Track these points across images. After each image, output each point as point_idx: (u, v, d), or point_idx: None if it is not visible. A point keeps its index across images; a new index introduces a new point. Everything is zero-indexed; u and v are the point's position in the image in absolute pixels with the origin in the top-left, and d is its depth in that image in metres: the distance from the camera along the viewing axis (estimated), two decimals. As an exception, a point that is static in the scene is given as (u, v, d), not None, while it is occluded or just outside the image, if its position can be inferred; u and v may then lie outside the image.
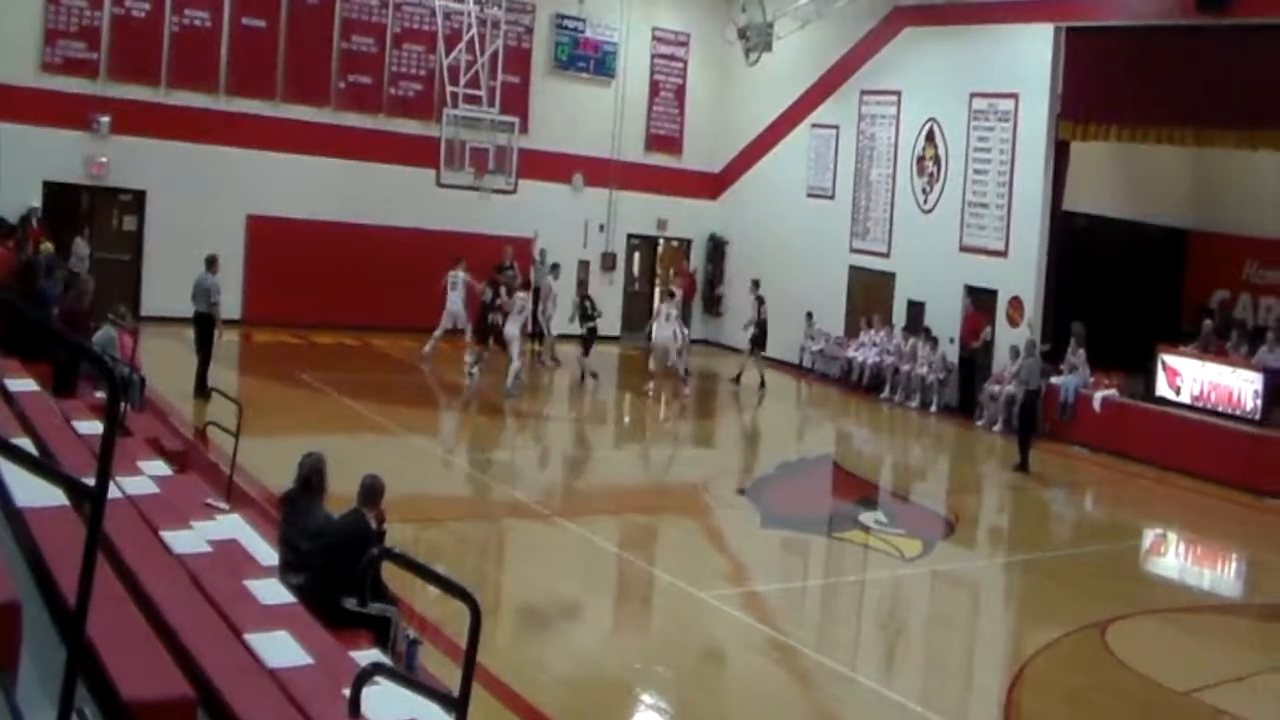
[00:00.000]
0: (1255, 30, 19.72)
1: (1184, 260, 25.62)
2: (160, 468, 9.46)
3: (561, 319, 25.41)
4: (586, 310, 23.91)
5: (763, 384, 25.16)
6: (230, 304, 23.81)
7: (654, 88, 30.73)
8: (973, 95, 24.41)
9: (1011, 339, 22.83)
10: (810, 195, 28.61)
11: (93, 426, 8.59)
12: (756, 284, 25.77)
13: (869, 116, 27.21)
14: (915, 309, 25.60)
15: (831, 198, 28.06)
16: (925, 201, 25.69)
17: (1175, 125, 21.29)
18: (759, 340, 25.36)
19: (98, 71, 24.09)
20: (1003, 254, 23.82)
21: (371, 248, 25.06)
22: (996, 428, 22.65)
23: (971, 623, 13.59)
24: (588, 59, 29.60)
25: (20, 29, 23.24)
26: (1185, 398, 20.89)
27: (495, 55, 25.23)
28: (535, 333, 26.22)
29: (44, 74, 23.66)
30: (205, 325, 18.60)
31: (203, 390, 17.89)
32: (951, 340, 24.54)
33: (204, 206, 24.45)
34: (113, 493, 5.86)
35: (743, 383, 25.21)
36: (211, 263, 18.87)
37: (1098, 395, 21.58)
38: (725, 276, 31.22)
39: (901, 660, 11.95)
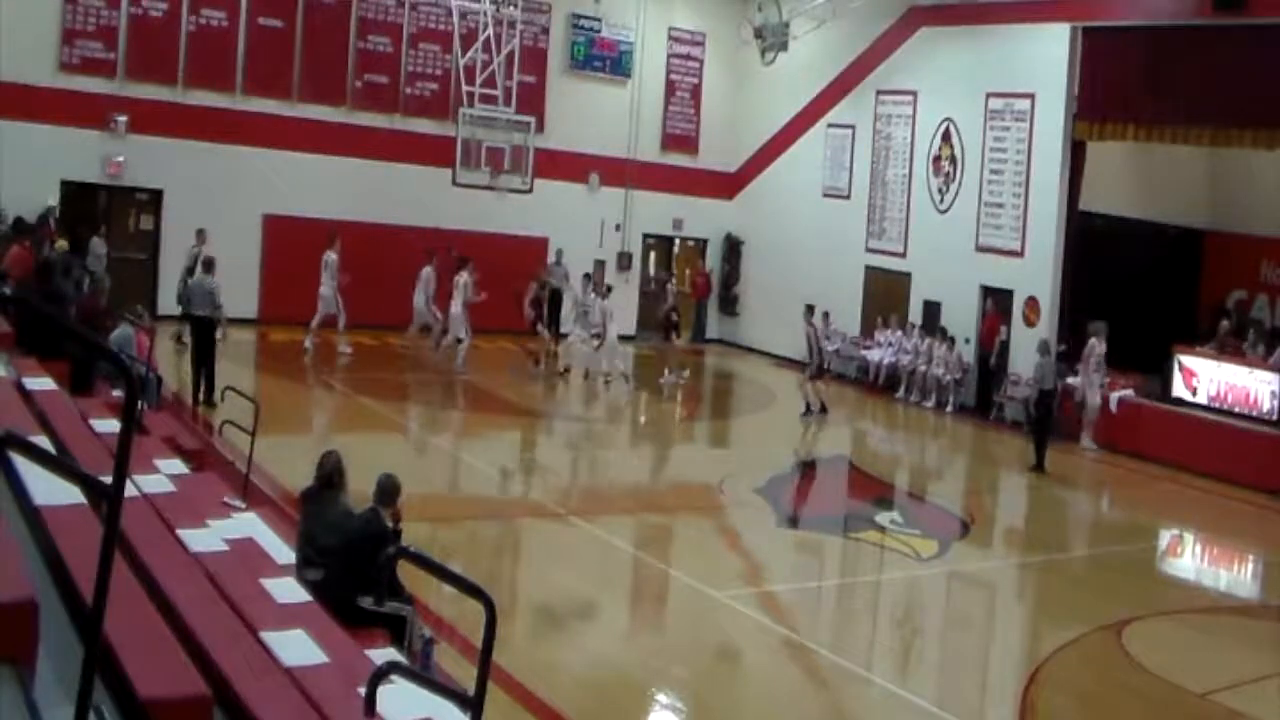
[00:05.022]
0: (1272, 30, 19.62)
1: (1201, 260, 25.56)
2: (177, 466, 9.47)
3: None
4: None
5: (818, 409, 22.67)
6: (246, 303, 24.01)
7: (670, 87, 30.74)
8: (989, 95, 24.38)
9: (1028, 339, 22.81)
10: (826, 195, 28.59)
11: (110, 425, 8.61)
12: (810, 310, 23.51)
13: (885, 116, 27.18)
14: (931, 309, 25.57)
15: (847, 197, 28.03)
16: (941, 201, 25.66)
17: (1192, 125, 21.23)
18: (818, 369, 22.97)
19: (115, 71, 24.16)
20: (1019, 254, 23.78)
21: (387, 247, 25.09)
22: (1014, 428, 22.61)
23: (987, 623, 13.57)
24: (604, 59, 29.62)
25: (38, 29, 23.31)
26: (1202, 398, 20.85)
27: (511, 55, 25.23)
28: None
29: (62, 74, 23.74)
30: (207, 330, 18.04)
31: (209, 398, 17.41)
32: (968, 340, 24.52)
33: (220, 206, 24.49)
34: (130, 491, 5.89)
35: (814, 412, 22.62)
36: (209, 265, 18.67)
37: (1114, 396, 21.52)
38: (741, 276, 31.21)
39: (917, 661, 11.93)
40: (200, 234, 21.69)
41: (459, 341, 22.91)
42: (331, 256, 22.99)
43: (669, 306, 25.76)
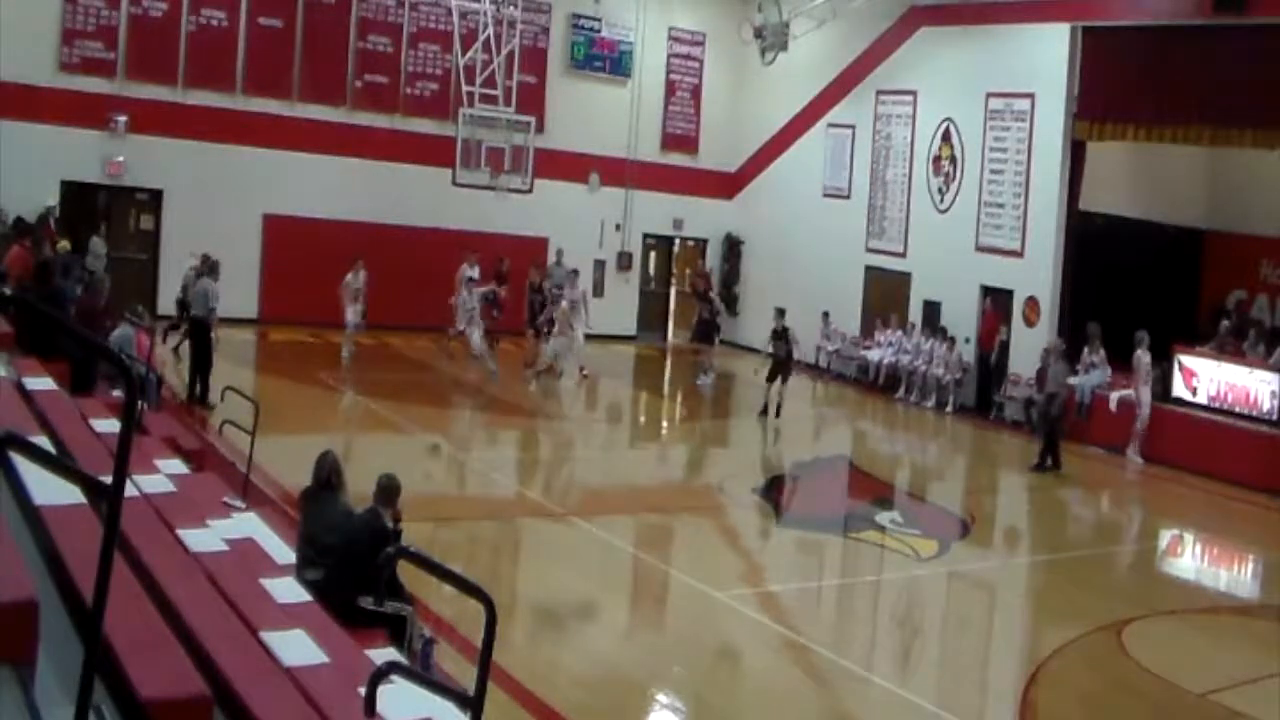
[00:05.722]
0: (1272, 30, 19.63)
1: (1200, 260, 25.51)
2: (177, 466, 9.48)
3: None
4: None
5: (777, 412, 21.96)
6: (247, 303, 24.01)
7: (670, 87, 30.74)
8: (989, 95, 24.37)
9: (1028, 339, 22.85)
10: (826, 195, 28.59)
11: (110, 425, 8.61)
12: (780, 313, 22.51)
13: (885, 116, 27.17)
14: (931, 309, 25.57)
15: (847, 197, 28.03)
16: (941, 201, 25.65)
17: (1192, 125, 21.21)
18: (778, 370, 21.88)
19: (115, 71, 24.18)
20: (1019, 254, 23.78)
21: (387, 247, 25.08)
22: (1014, 428, 22.59)
23: (987, 623, 13.56)
24: (604, 59, 29.62)
25: (38, 29, 23.32)
26: (1202, 398, 20.81)
27: (511, 55, 25.24)
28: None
29: (62, 73, 23.76)
30: (201, 331, 18.07)
31: (203, 397, 17.45)
32: (968, 340, 24.52)
33: (221, 206, 24.54)
34: (130, 491, 5.88)
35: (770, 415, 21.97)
36: (213, 268, 18.60)
37: (1114, 396, 21.49)
38: (741, 276, 31.20)
39: (917, 660, 11.93)
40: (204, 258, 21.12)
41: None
42: (350, 280, 22.76)
43: (713, 309, 26.02)
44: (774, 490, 17.79)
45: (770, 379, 21.84)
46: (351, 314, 22.67)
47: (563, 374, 23.10)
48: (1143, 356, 20.71)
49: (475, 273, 24.15)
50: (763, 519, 16.29)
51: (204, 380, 17.69)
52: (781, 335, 21.92)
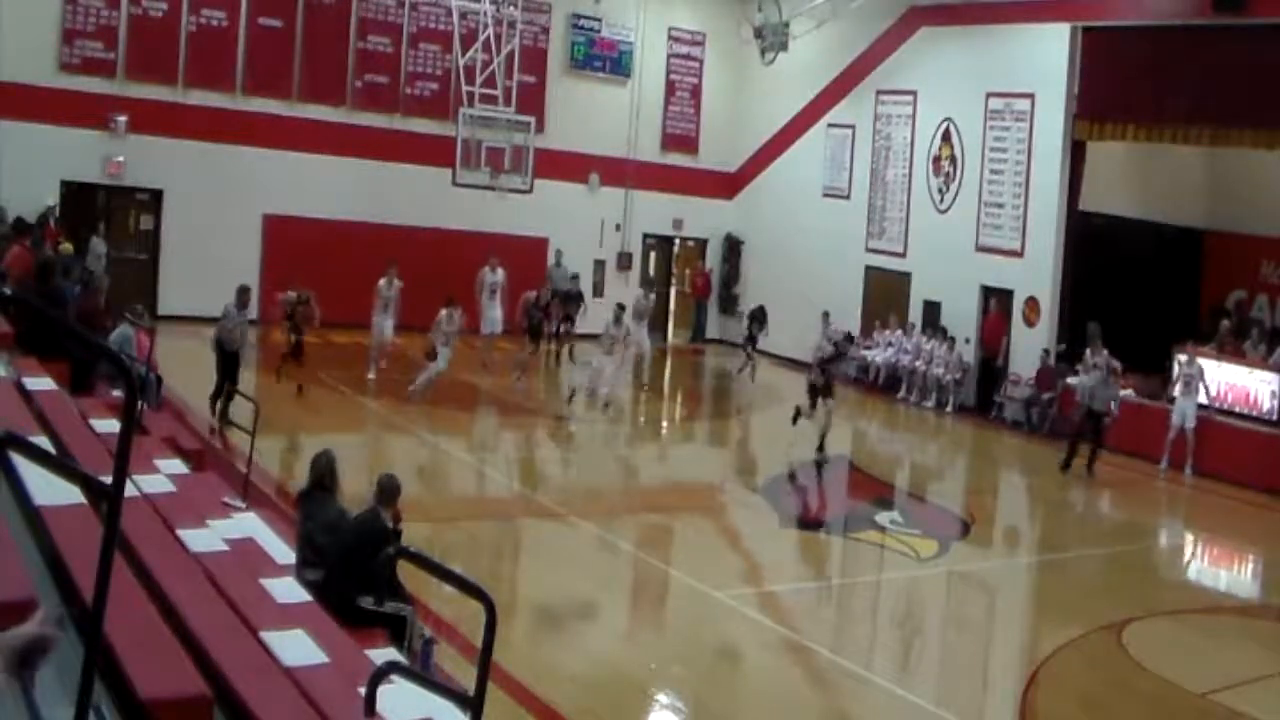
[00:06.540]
0: (1272, 30, 19.63)
1: (1201, 260, 25.50)
2: (177, 466, 9.46)
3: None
4: None
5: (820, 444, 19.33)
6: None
7: (670, 87, 30.74)
8: (989, 95, 24.37)
9: (1028, 339, 22.85)
10: (826, 195, 28.59)
11: (110, 425, 8.59)
12: (826, 316, 21.90)
13: (885, 116, 27.17)
14: (931, 309, 25.56)
15: (847, 197, 28.03)
16: (941, 201, 25.65)
17: (1192, 125, 21.22)
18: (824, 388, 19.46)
19: (115, 71, 24.17)
20: (1019, 254, 23.77)
21: (387, 247, 25.04)
22: (1014, 428, 22.58)
23: (987, 623, 13.56)
24: (604, 59, 29.62)
25: (39, 29, 23.32)
26: (1202, 398, 20.79)
27: (511, 55, 25.23)
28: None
29: (62, 73, 23.74)
30: (228, 360, 17.54)
31: (216, 404, 17.11)
32: (968, 340, 24.51)
33: (221, 206, 24.54)
34: (130, 491, 5.88)
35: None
36: (242, 293, 17.96)
37: (1114, 396, 21.46)
38: (741, 276, 31.20)
39: (917, 661, 11.93)
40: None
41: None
42: (382, 287, 22.01)
43: (752, 314, 26.18)
44: (775, 490, 17.78)
45: (823, 397, 19.35)
46: (380, 325, 21.91)
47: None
48: (1185, 365, 20.27)
49: (499, 277, 24.01)
50: (763, 519, 16.27)
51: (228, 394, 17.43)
52: (841, 356, 20.36)
